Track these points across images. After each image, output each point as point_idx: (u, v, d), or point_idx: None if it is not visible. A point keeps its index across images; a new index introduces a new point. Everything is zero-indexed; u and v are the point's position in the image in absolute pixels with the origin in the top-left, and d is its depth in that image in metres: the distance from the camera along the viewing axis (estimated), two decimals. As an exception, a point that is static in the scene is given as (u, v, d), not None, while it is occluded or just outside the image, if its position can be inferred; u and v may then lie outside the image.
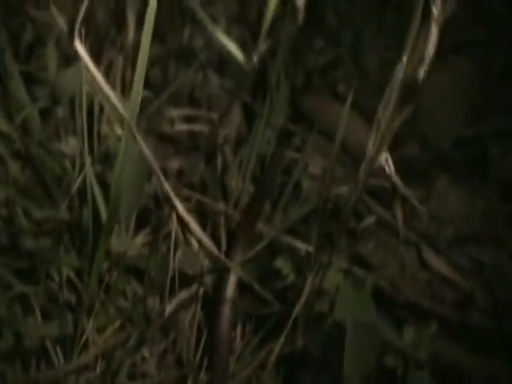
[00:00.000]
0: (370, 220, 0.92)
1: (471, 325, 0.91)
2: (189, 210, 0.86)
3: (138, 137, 0.57)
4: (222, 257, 0.75)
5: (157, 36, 1.08)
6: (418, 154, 1.02)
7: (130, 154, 0.73)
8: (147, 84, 1.04)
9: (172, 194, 0.60)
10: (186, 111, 0.97)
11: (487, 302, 0.94)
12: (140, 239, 0.86)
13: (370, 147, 0.60)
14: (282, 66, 1.01)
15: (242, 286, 0.84)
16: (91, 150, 0.86)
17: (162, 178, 0.59)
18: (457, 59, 1.12)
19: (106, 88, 0.54)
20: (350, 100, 0.72)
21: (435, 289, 0.96)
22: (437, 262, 0.96)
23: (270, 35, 0.91)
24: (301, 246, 0.87)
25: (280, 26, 0.86)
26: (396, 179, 0.66)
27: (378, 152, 0.61)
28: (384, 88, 0.72)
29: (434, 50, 0.50)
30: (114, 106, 0.57)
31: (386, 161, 0.61)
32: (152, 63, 1.06)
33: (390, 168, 0.61)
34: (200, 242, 0.72)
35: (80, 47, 0.52)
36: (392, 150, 1.00)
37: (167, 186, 0.59)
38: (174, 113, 0.95)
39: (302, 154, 0.97)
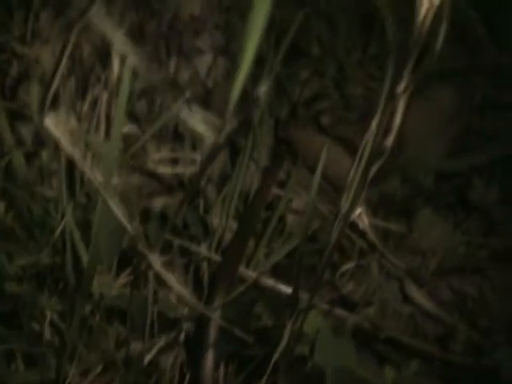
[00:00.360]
0: (349, 265, 0.92)
1: (453, 361, 0.92)
2: (171, 253, 0.87)
3: (112, 202, 0.57)
4: (202, 307, 0.76)
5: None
6: (400, 186, 1.02)
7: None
8: (133, 117, 1.05)
9: (148, 253, 0.60)
10: (170, 154, 0.97)
11: (470, 335, 0.95)
12: (122, 280, 0.87)
13: (343, 205, 0.61)
14: (265, 102, 1.02)
15: (224, 328, 0.85)
16: (73, 194, 0.87)
17: (139, 237, 0.60)
18: (439, 89, 1.13)
19: (80, 161, 0.55)
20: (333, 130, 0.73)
21: (418, 323, 0.96)
22: (419, 297, 0.97)
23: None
24: (282, 288, 0.88)
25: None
26: (371, 235, 0.67)
27: (351, 209, 0.61)
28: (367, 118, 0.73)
29: (401, 120, 0.51)
30: (91, 175, 0.58)
31: (359, 217, 0.62)
32: (138, 96, 1.07)
33: (364, 224, 0.62)
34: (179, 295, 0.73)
35: (50, 123, 0.53)
36: (373, 184, 1.01)
37: (143, 247, 0.60)
38: (158, 156, 0.96)
39: (286, 188, 0.98)
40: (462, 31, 1.19)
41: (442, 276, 1.00)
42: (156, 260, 0.60)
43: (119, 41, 0.92)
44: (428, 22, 0.45)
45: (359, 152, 0.55)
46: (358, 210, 0.63)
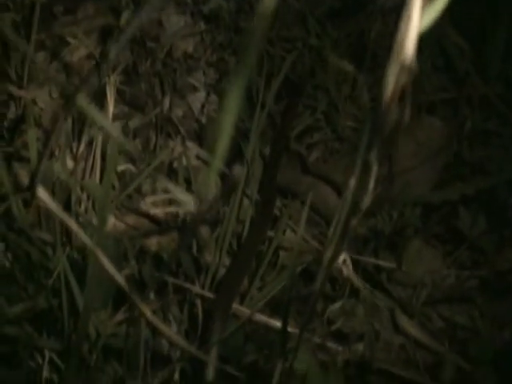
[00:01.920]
0: (338, 304, 0.95)
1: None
2: (165, 291, 0.90)
3: (101, 256, 0.60)
4: (195, 350, 0.78)
5: (138, 106, 1.12)
6: (389, 219, 1.05)
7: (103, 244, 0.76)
8: (128, 156, 1.08)
9: (138, 301, 0.63)
10: (164, 196, 1.00)
11: (460, 364, 0.97)
12: (118, 317, 0.89)
13: (327, 254, 0.63)
14: (257, 139, 1.05)
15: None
16: (69, 240, 0.90)
17: (128, 288, 0.62)
18: (427, 120, 1.15)
19: (74, 226, 0.57)
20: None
21: (409, 353, 0.99)
22: (410, 327, 0.99)
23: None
24: (275, 324, 0.90)
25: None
26: (356, 281, 0.69)
27: (335, 255, 0.64)
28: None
29: (374, 186, 0.54)
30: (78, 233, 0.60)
31: (344, 263, 0.64)
32: (134, 134, 1.10)
33: (349, 270, 0.65)
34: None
35: (44, 195, 0.55)
36: (362, 219, 1.04)
37: (134, 296, 0.62)
38: (152, 198, 0.98)
39: (278, 223, 1.01)
40: (448, 61, 1.21)
41: (433, 306, 1.03)
42: (148, 310, 0.63)
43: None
44: (394, 102, 0.48)
45: (343, 198, 0.57)
46: (342, 257, 0.66)
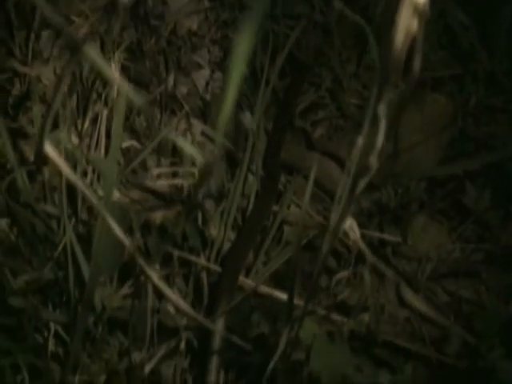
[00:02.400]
0: (343, 273, 0.95)
1: (449, 364, 0.94)
2: (171, 265, 0.90)
3: (110, 220, 0.60)
4: (201, 318, 0.79)
5: (142, 84, 1.12)
6: (394, 194, 1.04)
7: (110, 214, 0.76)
8: (133, 132, 1.08)
9: (147, 267, 0.63)
10: (169, 169, 1.00)
11: (465, 337, 0.97)
12: (124, 291, 0.90)
13: (333, 218, 0.63)
14: (261, 114, 1.05)
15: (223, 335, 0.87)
16: (75, 209, 0.90)
17: (137, 253, 0.62)
18: (432, 96, 1.15)
19: (80, 184, 0.57)
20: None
21: (414, 327, 0.99)
22: (415, 301, 0.99)
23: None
24: (280, 295, 0.90)
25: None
26: (363, 246, 0.69)
27: (341, 221, 0.64)
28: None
29: (383, 142, 0.53)
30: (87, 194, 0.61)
31: (351, 228, 0.64)
32: (138, 111, 1.09)
33: (355, 235, 0.64)
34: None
35: (51, 151, 0.55)
36: (367, 193, 1.04)
37: (141, 260, 0.62)
38: (157, 171, 0.98)
39: (283, 199, 1.01)
40: (454, 37, 1.21)
41: (438, 280, 1.03)
42: (154, 274, 0.63)
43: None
44: (404, 51, 0.47)
45: (346, 169, 0.57)
46: (349, 222, 0.65)
